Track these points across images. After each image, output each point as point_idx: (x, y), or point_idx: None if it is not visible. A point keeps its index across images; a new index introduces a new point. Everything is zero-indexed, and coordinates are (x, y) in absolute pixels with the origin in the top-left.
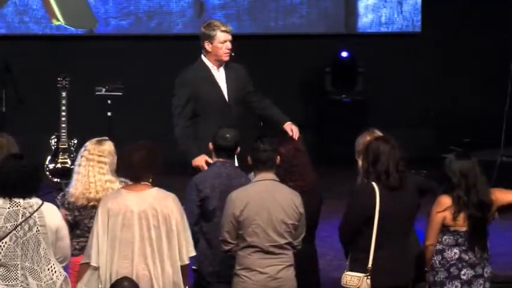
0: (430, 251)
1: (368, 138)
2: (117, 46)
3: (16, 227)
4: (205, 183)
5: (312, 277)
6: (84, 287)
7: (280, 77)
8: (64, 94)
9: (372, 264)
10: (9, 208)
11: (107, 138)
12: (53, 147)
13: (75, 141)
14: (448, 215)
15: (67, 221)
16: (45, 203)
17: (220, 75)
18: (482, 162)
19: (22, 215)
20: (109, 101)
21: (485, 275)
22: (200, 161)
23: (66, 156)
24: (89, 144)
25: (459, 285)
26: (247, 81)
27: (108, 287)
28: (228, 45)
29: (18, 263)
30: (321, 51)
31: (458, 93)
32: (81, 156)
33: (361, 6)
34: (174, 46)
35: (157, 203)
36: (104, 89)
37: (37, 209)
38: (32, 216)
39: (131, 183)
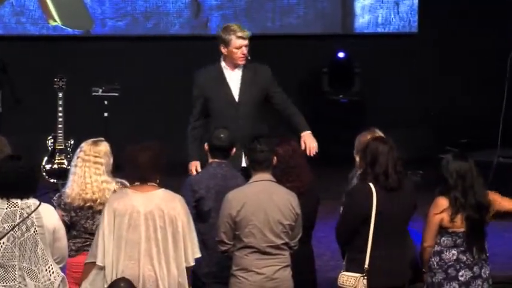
0: (428, 253)
1: (368, 137)
2: (114, 47)
3: (14, 228)
4: (200, 184)
5: (308, 277)
6: (89, 286)
7: (277, 77)
8: (61, 95)
9: (368, 265)
10: (6, 209)
11: (102, 139)
12: (49, 148)
13: (72, 142)
14: (445, 216)
15: (63, 222)
16: (42, 203)
17: (234, 76)
18: (479, 163)
19: (20, 216)
20: (106, 102)
21: (484, 275)
22: (191, 166)
23: (62, 157)
24: (85, 145)
25: (457, 286)
26: (269, 83)
27: None
28: (244, 50)
29: (16, 263)
30: (318, 52)
31: (455, 93)
32: (77, 157)
33: (358, 7)
34: (171, 47)
35: (164, 204)
36: (100, 90)
37: (34, 210)
38: (30, 217)
39: (127, 183)
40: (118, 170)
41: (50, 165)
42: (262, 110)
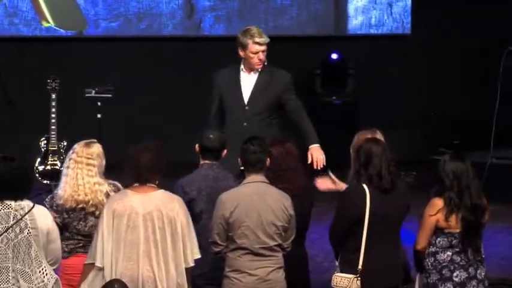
0: (422, 254)
1: (368, 136)
2: (107, 48)
3: (7, 229)
4: (191, 185)
5: (302, 279)
6: (88, 287)
7: None
8: (54, 96)
9: (362, 265)
10: (0, 210)
11: (95, 140)
12: (42, 149)
13: (65, 143)
14: (440, 217)
15: (56, 224)
16: (36, 205)
17: (249, 80)
18: (472, 163)
19: (13, 217)
20: (99, 103)
21: (479, 277)
22: None
23: (55, 158)
24: (77, 147)
25: (452, 287)
26: (284, 89)
27: None
28: (260, 55)
29: (10, 265)
30: (311, 53)
31: (448, 95)
32: (70, 159)
33: (351, 8)
34: (164, 48)
35: (163, 205)
36: (93, 91)
37: (28, 211)
38: (23, 219)
39: (119, 185)
40: (118, 170)
41: (43, 167)
42: (276, 115)
